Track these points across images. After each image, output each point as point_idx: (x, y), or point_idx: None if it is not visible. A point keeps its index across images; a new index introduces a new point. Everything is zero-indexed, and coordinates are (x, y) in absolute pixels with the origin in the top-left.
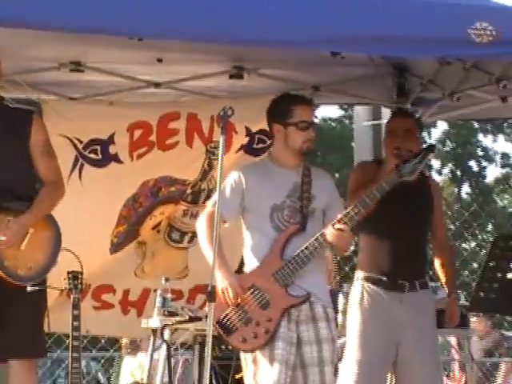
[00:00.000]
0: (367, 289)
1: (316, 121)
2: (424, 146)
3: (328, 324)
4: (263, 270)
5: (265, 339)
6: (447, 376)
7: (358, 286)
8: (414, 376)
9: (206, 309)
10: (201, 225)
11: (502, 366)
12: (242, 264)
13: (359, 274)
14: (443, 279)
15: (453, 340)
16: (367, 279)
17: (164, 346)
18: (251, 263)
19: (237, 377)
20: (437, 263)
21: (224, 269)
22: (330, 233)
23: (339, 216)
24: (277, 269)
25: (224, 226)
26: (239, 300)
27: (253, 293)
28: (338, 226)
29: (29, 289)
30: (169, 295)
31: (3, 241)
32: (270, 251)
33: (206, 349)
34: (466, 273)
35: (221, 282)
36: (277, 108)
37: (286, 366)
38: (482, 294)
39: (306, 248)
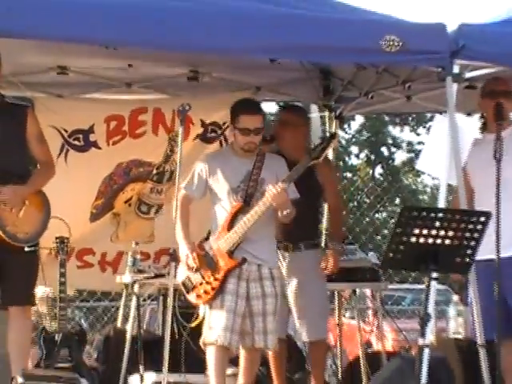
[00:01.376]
0: None
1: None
2: (328, 134)
3: (272, 282)
4: (215, 240)
5: (212, 295)
6: (363, 321)
7: None
8: (295, 315)
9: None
10: (176, 204)
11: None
12: (209, 234)
13: None
14: (331, 235)
15: (368, 292)
16: None
17: (134, 298)
18: (212, 235)
19: (193, 324)
20: (329, 223)
21: (186, 240)
22: (270, 193)
23: (281, 181)
24: (223, 239)
25: (194, 205)
26: (196, 264)
27: (205, 258)
28: (275, 187)
29: (26, 249)
30: (138, 256)
31: (5, 199)
32: (222, 225)
33: (168, 300)
34: (379, 237)
35: (183, 250)
36: (231, 113)
37: (235, 315)
38: (390, 255)
39: (247, 219)
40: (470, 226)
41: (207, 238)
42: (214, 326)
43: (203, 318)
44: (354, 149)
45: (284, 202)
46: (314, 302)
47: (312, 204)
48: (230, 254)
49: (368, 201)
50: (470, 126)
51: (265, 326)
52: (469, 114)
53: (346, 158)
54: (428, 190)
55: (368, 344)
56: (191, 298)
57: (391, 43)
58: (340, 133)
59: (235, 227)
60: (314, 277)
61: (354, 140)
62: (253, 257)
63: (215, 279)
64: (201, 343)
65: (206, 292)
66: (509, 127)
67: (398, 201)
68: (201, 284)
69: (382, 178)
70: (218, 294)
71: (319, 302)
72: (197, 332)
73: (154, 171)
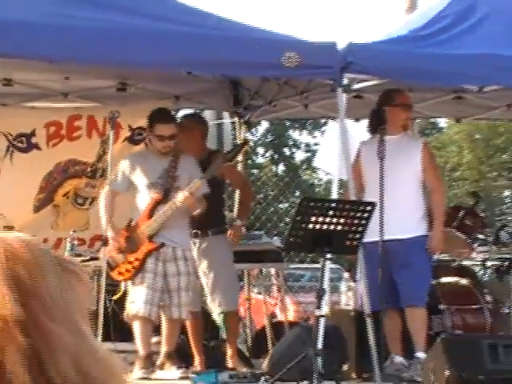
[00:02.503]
0: None
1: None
2: (242, 139)
3: (185, 262)
4: (136, 226)
5: (133, 273)
6: (269, 296)
7: None
8: (207, 290)
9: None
10: (102, 196)
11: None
12: (130, 221)
13: None
14: (239, 214)
15: (272, 270)
16: None
17: None
18: (134, 221)
19: (115, 297)
20: (238, 204)
21: (110, 226)
22: (178, 199)
23: (186, 188)
24: (144, 225)
25: (117, 198)
26: (120, 247)
27: (128, 241)
28: (183, 194)
29: None
30: (75, 242)
31: None
32: (143, 214)
33: (101, 279)
34: (282, 225)
35: (108, 234)
36: (148, 121)
37: (153, 290)
38: (291, 239)
39: (163, 212)
40: (358, 214)
41: (129, 225)
42: (136, 300)
43: (125, 293)
44: (261, 149)
45: (191, 204)
46: (223, 279)
47: (216, 196)
48: (150, 238)
49: (272, 193)
50: (358, 129)
51: (179, 299)
52: (357, 120)
53: (254, 157)
54: (323, 183)
55: (273, 315)
56: (114, 274)
57: (290, 59)
58: (248, 136)
59: (154, 216)
60: (221, 258)
61: (260, 142)
62: (169, 240)
63: (136, 259)
64: (125, 316)
65: (127, 270)
66: (405, 132)
67: (297, 193)
68: (123, 263)
69: (284, 174)
70: (138, 272)
71: (227, 279)
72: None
73: (89, 169)
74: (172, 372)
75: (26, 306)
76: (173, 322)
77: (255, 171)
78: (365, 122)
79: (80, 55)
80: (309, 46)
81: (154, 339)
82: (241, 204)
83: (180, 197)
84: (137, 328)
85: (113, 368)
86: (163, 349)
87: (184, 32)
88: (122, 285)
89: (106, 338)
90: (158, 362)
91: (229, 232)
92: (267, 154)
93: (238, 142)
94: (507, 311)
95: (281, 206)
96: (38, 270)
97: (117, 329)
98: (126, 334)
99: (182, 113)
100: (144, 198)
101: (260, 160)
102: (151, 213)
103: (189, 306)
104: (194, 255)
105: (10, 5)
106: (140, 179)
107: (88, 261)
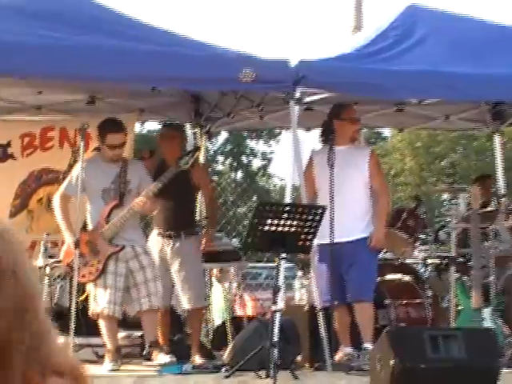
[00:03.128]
0: (153, 238)
1: (144, 131)
2: (193, 146)
3: (146, 256)
4: (95, 230)
5: (96, 275)
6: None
7: (153, 234)
8: (179, 289)
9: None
10: (55, 201)
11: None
12: (85, 225)
13: (154, 229)
14: (208, 221)
15: (232, 269)
16: (154, 232)
17: (46, 278)
18: (90, 226)
19: (81, 298)
20: (207, 212)
21: (69, 230)
22: (136, 204)
23: (143, 192)
24: (103, 230)
25: (71, 201)
26: (82, 250)
27: (88, 245)
28: (140, 200)
29: None
30: (49, 244)
31: None
32: (100, 218)
33: (73, 279)
34: (240, 227)
35: (67, 239)
36: (99, 131)
37: (116, 289)
38: (249, 240)
39: (121, 216)
40: (310, 217)
41: (84, 228)
42: (99, 300)
43: (90, 293)
44: (220, 158)
45: (147, 208)
46: (193, 278)
47: (189, 201)
48: (110, 241)
49: (231, 198)
50: (309, 139)
51: (148, 290)
52: (308, 130)
53: (214, 165)
54: (277, 189)
55: (233, 310)
56: (78, 276)
57: (247, 75)
58: (209, 145)
59: (112, 220)
60: (192, 258)
61: (219, 151)
62: (127, 241)
63: (98, 262)
64: (90, 314)
65: (90, 273)
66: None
67: (254, 198)
68: (84, 266)
69: (242, 180)
70: (100, 274)
71: (197, 278)
72: None
73: (61, 176)
74: (162, 358)
75: None
76: (147, 313)
77: (215, 178)
78: (316, 132)
79: (51, 72)
80: (264, 62)
81: (121, 334)
82: (209, 213)
83: (137, 203)
84: (102, 326)
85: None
86: (147, 340)
87: (148, 50)
88: (87, 286)
89: (79, 333)
90: (145, 353)
91: (203, 240)
92: (226, 162)
93: (189, 148)
94: (446, 305)
95: (239, 210)
96: None
97: (88, 324)
98: (97, 329)
99: (147, 124)
100: (98, 202)
101: (220, 167)
102: (108, 217)
103: (158, 294)
104: (168, 254)
105: None
106: (94, 184)
107: (60, 262)
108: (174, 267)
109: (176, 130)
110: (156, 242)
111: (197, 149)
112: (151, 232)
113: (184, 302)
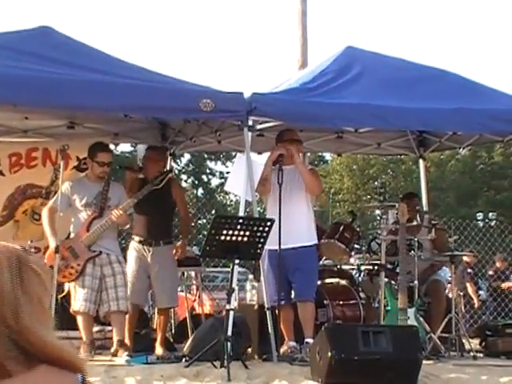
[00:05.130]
0: (134, 245)
1: (118, 152)
2: (167, 168)
3: (119, 265)
4: (77, 238)
5: (75, 276)
6: (190, 293)
7: (134, 242)
8: (156, 289)
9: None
10: (44, 213)
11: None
12: (69, 235)
13: (134, 237)
14: (181, 233)
15: (192, 273)
16: (135, 239)
17: None
18: (73, 234)
19: (61, 296)
20: (180, 225)
21: (54, 237)
22: (114, 215)
23: (120, 206)
24: (83, 237)
25: (58, 214)
26: (63, 255)
27: (70, 250)
28: (118, 211)
29: None
30: (32, 250)
31: None
32: (81, 227)
33: (53, 280)
34: (200, 236)
35: (51, 244)
36: (89, 150)
37: (92, 290)
38: (207, 248)
39: (100, 226)
40: (260, 228)
41: (69, 237)
42: (78, 298)
43: (68, 291)
44: (184, 176)
45: (123, 220)
46: (170, 281)
47: (168, 213)
48: (89, 247)
49: (193, 211)
50: (260, 160)
51: (117, 295)
52: (259, 153)
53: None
54: (233, 204)
55: (193, 309)
56: (59, 277)
57: (207, 105)
58: (174, 165)
59: (92, 229)
60: (169, 263)
61: (183, 170)
62: (104, 248)
63: (78, 265)
64: (71, 311)
65: (70, 274)
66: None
67: (213, 211)
68: (66, 268)
69: (202, 196)
70: (79, 275)
71: (174, 281)
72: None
73: (44, 191)
74: (124, 357)
75: None
76: (115, 314)
77: None
78: (266, 155)
79: (37, 100)
80: (221, 94)
81: (95, 328)
82: (183, 225)
83: (116, 213)
84: (80, 321)
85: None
86: (115, 338)
87: (121, 83)
88: (66, 285)
89: (59, 327)
90: (112, 350)
91: (177, 250)
92: (189, 180)
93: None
94: (377, 305)
95: (199, 221)
96: None
97: (67, 319)
98: (74, 324)
99: (121, 147)
100: (81, 215)
101: (183, 184)
102: (89, 227)
103: (125, 299)
104: (148, 260)
105: None
106: (78, 200)
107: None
108: (154, 271)
109: (162, 155)
110: (137, 249)
111: (169, 171)
112: (130, 241)
113: (161, 301)
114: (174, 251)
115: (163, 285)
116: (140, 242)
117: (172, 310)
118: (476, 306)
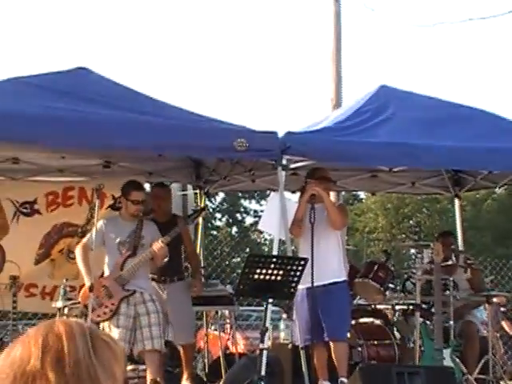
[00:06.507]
0: None
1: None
2: (199, 206)
3: (153, 303)
4: (110, 277)
5: (109, 315)
6: (223, 332)
7: None
8: (175, 322)
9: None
10: (78, 250)
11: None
12: (103, 273)
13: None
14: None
15: (226, 312)
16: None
17: (64, 318)
18: (107, 273)
19: None
20: (191, 262)
21: (89, 276)
22: (153, 248)
23: (161, 239)
24: (117, 276)
25: (91, 252)
26: (98, 294)
27: (104, 289)
28: (158, 243)
29: None
30: (68, 289)
31: None
32: (115, 266)
33: (88, 318)
34: (234, 275)
35: (87, 283)
36: (123, 189)
37: (126, 329)
38: (241, 287)
39: (134, 264)
40: (294, 267)
41: (102, 276)
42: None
43: (103, 330)
44: (218, 215)
45: (164, 253)
46: (188, 317)
47: (179, 250)
48: (123, 286)
49: (227, 250)
50: (293, 199)
51: (151, 333)
52: (293, 192)
53: (213, 221)
54: (268, 242)
55: (226, 348)
56: (93, 316)
57: (241, 144)
58: (208, 204)
59: (126, 268)
60: (185, 299)
61: (217, 209)
62: (137, 287)
63: (112, 304)
64: None
65: (104, 313)
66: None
67: (247, 250)
68: (100, 307)
69: (236, 235)
70: (114, 314)
71: (190, 317)
72: None
73: (79, 230)
74: None
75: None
76: (148, 353)
77: (214, 232)
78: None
79: (73, 141)
80: (255, 133)
81: (129, 367)
82: (193, 263)
83: (154, 247)
84: None
85: None
86: (148, 377)
87: (155, 122)
88: (101, 325)
89: None
90: None
91: (194, 287)
92: (223, 219)
93: (198, 208)
94: (412, 346)
95: (234, 260)
96: (70, 340)
97: None
98: None
99: None
100: (115, 253)
101: (218, 223)
102: (123, 265)
103: (160, 338)
104: (163, 297)
105: (15, 99)
106: (112, 238)
107: (77, 304)
108: (170, 308)
109: (168, 192)
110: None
111: (203, 209)
112: None
113: (179, 338)
114: (193, 288)
115: (182, 321)
116: (153, 279)
117: (206, 348)
118: None
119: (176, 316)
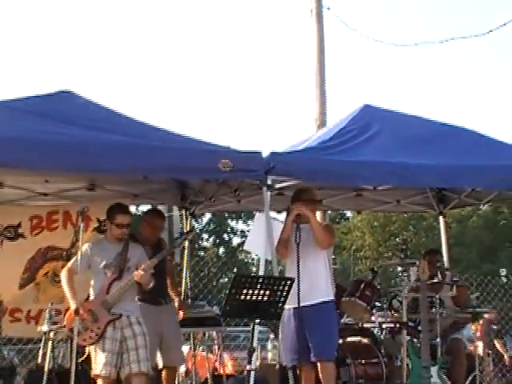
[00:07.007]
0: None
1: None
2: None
3: (139, 326)
4: (96, 300)
5: (95, 339)
6: (211, 353)
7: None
8: (167, 346)
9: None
10: (63, 274)
11: None
12: (88, 296)
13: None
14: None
15: (214, 333)
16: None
17: (50, 342)
18: (92, 296)
19: (81, 359)
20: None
21: (74, 300)
22: (136, 275)
23: (142, 266)
24: (103, 300)
25: (76, 276)
26: (83, 317)
27: (90, 313)
28: (140, 271)
29: None
30: (53, 312)
31: None
32: (100, 290)
33: (73, 342)
34: (222, 295)
35: (72, 306)
36: (108, 213)
37: (112, 353)
38: (228, 308)
39: (120, 287)
40: (280, 287)
41: (88, 299)
42: (98, 362)
43: (89, 354)
44: (205, 235)
45: (146, 280)
46: (180, 339)
47: (165, 272)
48: (109, 310)
49: (214, 270)
50: (279, 218)
51: (138, 356)
52: (279, 212)
53: (199, 242)
54: (255, 261)
55: (214, 369)
56: (79, 340)
57: (226, 165)
58: (195, 224)
59: (111, 291)
60: (176, 321)
61: (204, 229)
62: (124, 310)
63: (98, 328)
64: (92, 375)
65: (90, 337)
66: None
67: (235, 270)
68: (86, 331)
69: (223, 255)
70: (99, 338)
71: (181, 339)
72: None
73: (64, 253)
74: None
75: None
76: (136, 376)
77: (201, 253)
78: (285, 214)
79: (57, 164)
80: (239, 154)
81: None
82: (174, 284)
83: (138, 273)
84: None
85: None
86: None
87: (139, 144)
88: (86, 348)
89: None
90: None
91: (181, 310)
92: (210, 239)
93: (185, 230)
94: (399, 364)
95: (221, 280)
96: None
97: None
98: None
99: (142, 207)
100: (100, 276)
101: (205, 243)
102: (109, 289)
103: (147, 360)
104: (152, 319)
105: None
106: (98, 261)
107: (63, 328)
108: (158, 330)
109: (162, 220)
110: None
111: (190, 231)
112: None
113: (175, 359)
114: (180, 312)
115: (177, 343)
116: (141, 301)
117: (194, 369)
118: (507, 362)
119: (172, 338)
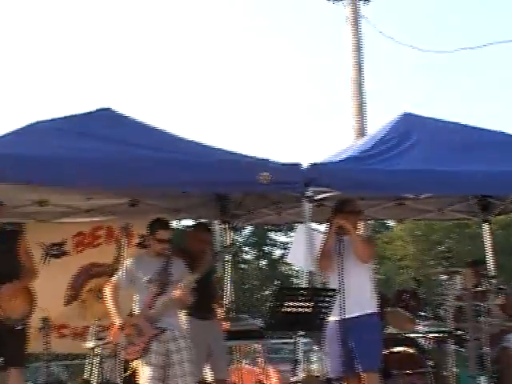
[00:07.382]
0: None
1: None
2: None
3: (184, 340)
4: (140, 315)
5: (140, 353)
6: (256, 365)
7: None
8: (216, 359)
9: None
10: (107, 290)
11: None
12: (132, 311)
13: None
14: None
15: (258, 346)
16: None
17: (96, 357)
18: (136, 311)
19: (127, 373)
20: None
21: (119, 315)
22: (177, 293)
23: (181, 283)
24: (147, 315)
25: (121, 291)
26: (128, 333)
27: (134, 327)
28: (180, 290)
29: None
30: (99, 328)
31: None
32: (144, 305)
33: (119, 357)
34: (265, 308)
35: (117, 322)
36: (149, 228)
37: (157, 367)
38: (271, 321)
39: (163, 302)
40: (323, 298)
41: (131, 314)
42: (145, 376)
43: (135, 369)
44: (247, 248)
45: (185, 297)
46: (223, 352)
47: (209, 287)
48: (153, 324)
49: (257, 283)
50: (320, 230)
51: (183, 370)
52: (320, 223)
53: (241, 255)
54: (298, 273)
55: (259, 381)
56: (124, 354)
57: (265, 178)
58: (236, 237)
59: (155, 306)
60: (219, 335)
61: (246, 242)
62: (168, 325)
63: (143, 342)
64: None
65: (135, 351)
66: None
67: (276, 282)
68: (131, 345)
69: (266, 268)
70: (145, 353)
71: (225, 351)
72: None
73: (108, 269)
74: None
75: None
76: None
77: (243, 266)
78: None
79: (99, 182)
80: (279, 166)
81: None
82: (215, 303)
83: (177, 292)
84: None
85: None
86: None
87: (178, 159)
88: (133, 363)
89: None
90: None
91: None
92: (252, 252)
93: (225, 244)
94: (446, 373)
95: (263, 293)
96: None
97: None
98: None
99: (183, 222)
100: (144, 291)
101: (246, 256)
102: (152, 303)
103: (192, 375)
104: (199, 333)
105: (40, 143)
106: (140, 276)
107: (108, 343)
108: (207, 343)
109: (209, 233)
110: (186, 324)
111: (231, 245)
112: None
113: (225, 373)
114: (223, 325)
115: (224, 356)
116: (188, 314)
117: (240, 382)
118: None
119: (221, 352)
